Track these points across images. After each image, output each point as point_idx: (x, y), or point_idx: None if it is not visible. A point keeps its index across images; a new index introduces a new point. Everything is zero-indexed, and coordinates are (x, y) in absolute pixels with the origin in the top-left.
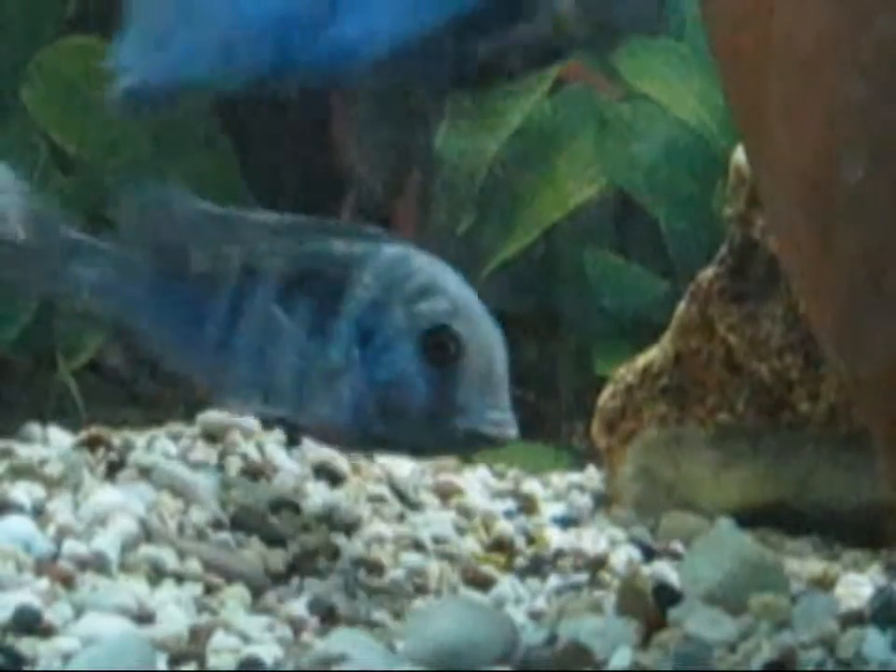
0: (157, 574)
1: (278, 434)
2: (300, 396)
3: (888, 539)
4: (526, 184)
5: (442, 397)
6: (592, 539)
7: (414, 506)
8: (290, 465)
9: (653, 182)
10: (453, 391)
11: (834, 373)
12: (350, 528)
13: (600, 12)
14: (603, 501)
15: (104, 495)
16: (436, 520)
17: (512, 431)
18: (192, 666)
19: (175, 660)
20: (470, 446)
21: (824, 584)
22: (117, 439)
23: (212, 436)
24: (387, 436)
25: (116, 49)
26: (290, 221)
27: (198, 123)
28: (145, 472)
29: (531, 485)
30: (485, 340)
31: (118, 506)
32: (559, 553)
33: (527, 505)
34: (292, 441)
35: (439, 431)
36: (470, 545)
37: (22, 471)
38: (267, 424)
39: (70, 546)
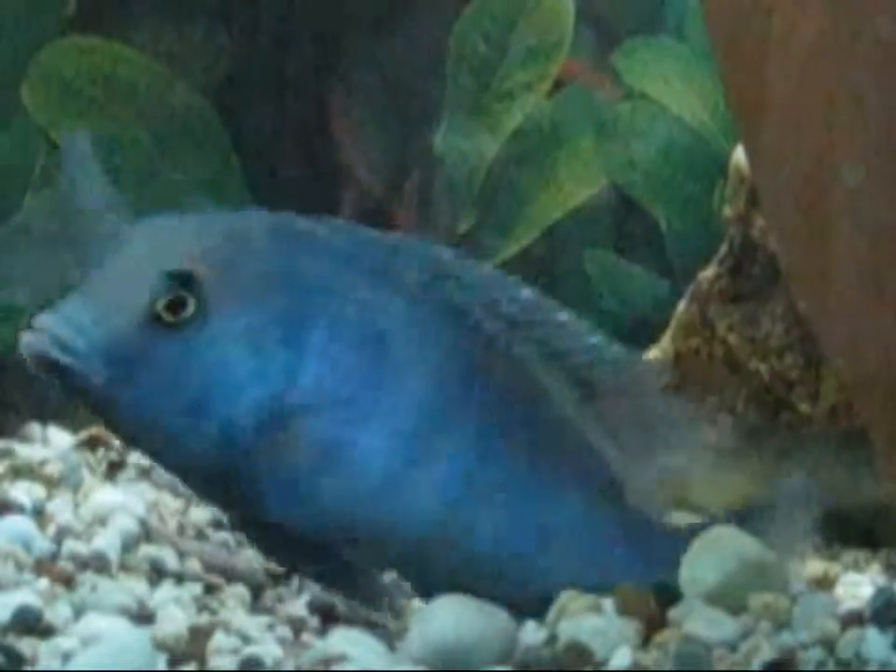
0: (157, 574)
1: None
2: None
3: (888, 539)
4: (526, 184)
5: None
6: None
7: None
8: None
9: (653, 182)
10: None
11: (834, 373)
12: None
13: None
14: None
15: (104, 495)
16: None
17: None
18: (192, 666)
19: (175, 660)
20: None
21: (824, 584)
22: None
23: None
24: None
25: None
26: None
27: (198, 123)
28: (145, 472)
29: None
30: None
31: (118, 506)
32: None
33: None
34: None
35: None
36: None
37: (22, 471)
38: None
39: (70, 546)
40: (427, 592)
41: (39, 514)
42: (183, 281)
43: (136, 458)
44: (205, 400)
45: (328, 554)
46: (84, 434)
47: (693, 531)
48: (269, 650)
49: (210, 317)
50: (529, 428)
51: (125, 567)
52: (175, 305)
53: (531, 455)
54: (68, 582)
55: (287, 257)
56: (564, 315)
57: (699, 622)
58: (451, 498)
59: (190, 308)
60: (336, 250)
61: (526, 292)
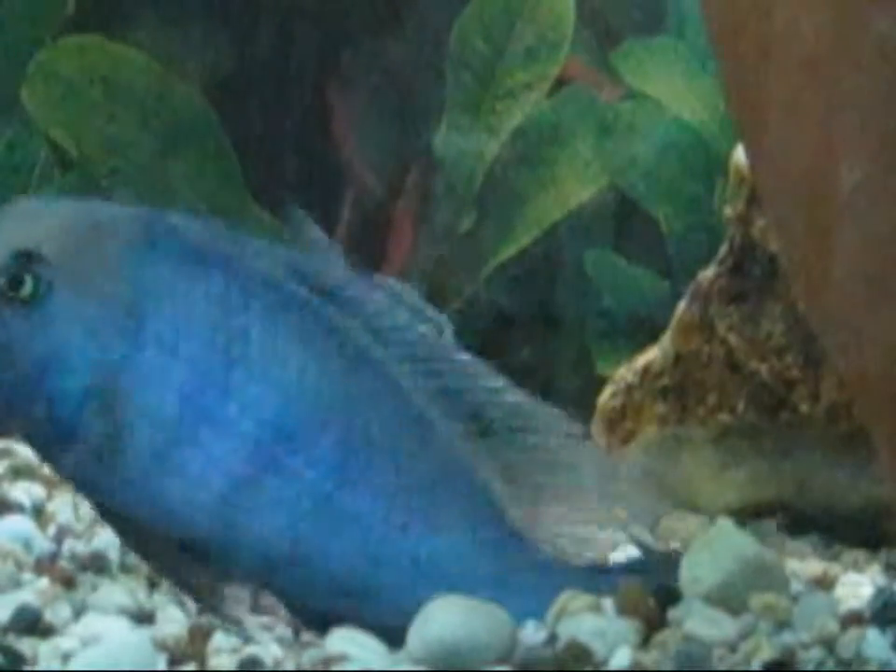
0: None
1: None
2: None
3: (888, 539)
4: (526, 184)
5: None
6: None
7: None
8: None
9: (653, 182)
10: None
11: (834, 373)
12: None
13: None
14: None
15: None
16: None
17: None
18: (192, 666)
19: (175, 660)
20: None
21: (824, 584)
22: None
23: None
24: None
25: None
26: None
27: (198, 123)
28: None
29: None
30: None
31: None
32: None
33: None
34: None
35: None
36: None
37: (22, 471)
38: None
39: (70, 546)
40: (291, 607)
41: (39, 514)
42: (26, 259)
43: None
44: (35, 380)
45: (171, 551)
46: None
47: (586, 571)
48: (269, 650)
49: (52, 298)
50: (404, 456)
51: (125, 567)
52: (15, 282)
53: (402, 484)
54: (68, 582)
55: (142, 249)
56: (464, 356)
57: (699, 622)
58: (300, 516)
59: (27, 286)
60: (201, 251)
61: (425, 328)
